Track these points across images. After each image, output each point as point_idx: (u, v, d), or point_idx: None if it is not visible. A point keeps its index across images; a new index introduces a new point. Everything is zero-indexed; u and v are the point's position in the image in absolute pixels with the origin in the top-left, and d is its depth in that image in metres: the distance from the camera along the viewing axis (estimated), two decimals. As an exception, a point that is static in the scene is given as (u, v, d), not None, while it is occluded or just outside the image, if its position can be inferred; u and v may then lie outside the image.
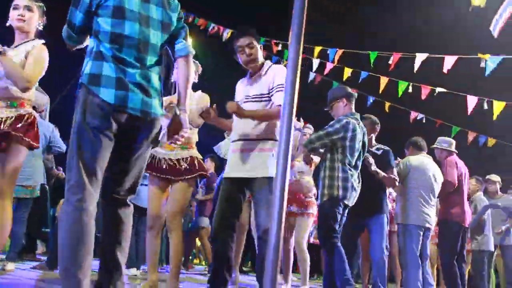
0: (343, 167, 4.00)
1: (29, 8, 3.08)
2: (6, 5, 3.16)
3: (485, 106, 7.08)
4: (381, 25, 12.26)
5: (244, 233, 4.71)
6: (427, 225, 5.02)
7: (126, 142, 2.37)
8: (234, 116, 3.33)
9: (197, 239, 8.62)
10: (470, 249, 6.73)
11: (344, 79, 8.03)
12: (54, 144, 5.24)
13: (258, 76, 3.38)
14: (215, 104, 3.57)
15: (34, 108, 4.71)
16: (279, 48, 8.80)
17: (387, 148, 4.95)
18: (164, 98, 3.55)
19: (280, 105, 2.95)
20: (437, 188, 5.16)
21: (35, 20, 3.12)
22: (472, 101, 7.07)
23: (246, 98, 3.36)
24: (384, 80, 7.64)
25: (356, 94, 4.42)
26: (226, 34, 8.71)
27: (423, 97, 7.48)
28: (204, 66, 4.16)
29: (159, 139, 2.54)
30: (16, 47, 3.08)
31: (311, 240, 9.15)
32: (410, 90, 7.58)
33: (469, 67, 6.63)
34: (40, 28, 3.17)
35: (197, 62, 3.92)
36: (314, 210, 5.07)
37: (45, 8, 3.17)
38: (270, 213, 1.43)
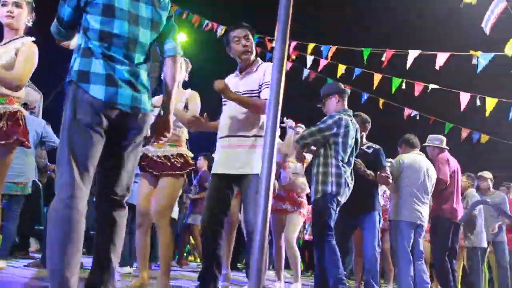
0: (337, 163, 3.99)
1: (17, 5, 3.05)
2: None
3: (478, 103, 7.11)
4: (374, 19, 12.27)
5: (234, 230, 4.71)
6: (419, 222, 5.02)
7: (117, 139, 2.36)
8: (222, 113, 3.33)
9: (190, 237, 8.62)
10: (464, 245, 6.77)
11: (338, 75, 8.03)
12: (48, 139, 5.22)
13: (249, 72, 3.40)
14: (206, 113, 3.57)
15: (26, 105, 4.71)
16: (273, 44, 8.75)
17: (377, 146, 4.94)
18: (156, 98, 3.56)
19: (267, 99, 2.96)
20: (430, 186, 5.17)
21: (24, 17, 3.09)
22: (465, 97, 7.09)
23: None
24: (377, 77, 7.65)
25: (349, 91, 4.41)
26: (220, 30, 8.67)
27: (417, 93, 7.50)
28: (197, 62, 4.15)
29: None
30: (5, 44, 3.07)
31: (306, 237, 9.20)
32: (403, 86, 7.59)
33: (461, 64, 6.64)
34: (30, 24, 3.15)
35: (187, 59, 3.91)
36: (305, 210, 5.08)
37: (34, 4, 3.15)
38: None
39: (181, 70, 3.78)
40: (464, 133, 8.90)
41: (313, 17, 12.58)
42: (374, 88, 7.80)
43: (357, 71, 7.92)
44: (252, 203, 3.13)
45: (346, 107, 4.28)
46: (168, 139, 3.51)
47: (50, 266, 2.12)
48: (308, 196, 4.97)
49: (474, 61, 6.08)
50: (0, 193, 3.07)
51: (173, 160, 3.58)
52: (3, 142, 2.95)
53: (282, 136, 5.10)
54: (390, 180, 4.92)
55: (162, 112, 2.53)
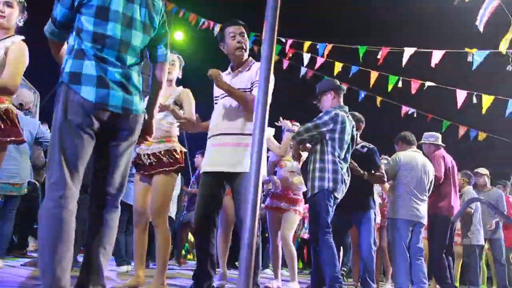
0: (333, 159, 3.98)
1: (8, 4, 3.05)
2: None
3: (474, 100, 7.11)
4: (370, 17, 12.27)
5: (231, 229, 4.70)
6: (417, 219, 5.01)
7: (109, 139, 2.38)
8: (213, 111, 3.34)
9: (189, 234, 8.63)
10: (461, 243, 6.78)
11: (335, 73, 8.04)
12: (44, 139, 5.22)
13: (241, 71, 3.40)
14: (197, 114, 3.59)
15: (21, 105, 4.72)
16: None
17: (372, 146, 4.93)
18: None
19: None
20: (428, 183, 5.16)
21: (15, 16, 3.09)
22: (461, 95, 7.10)
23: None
24: (374, 75, 7.66)
25: (344, 87, 4.40)
26: (217, 29, 8.68)
27: (413, 91, 7.50)
28: (194, 61, 4.16)
29: None
30: None
31: (305, 235, 9.19)
32: (400, 84, 7.60)
33: (457, 61, 6.65)
34: (20, 24, 3.15)
35: (180, 57, 3.91)
36: (301, 208, 5.06)
37: (25, 4, 3.15)
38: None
39: (175, 68, 3.79)
40: (462, 130, 8.91)
41: (310, 15, 12.59)
42: (370, 86, 7.80)
43: (354, 69, 7.92)
44: (244, 201, 3.13)
45: (342, 103, 4.27)
46: (157, 137, 3.56)
47: (41, 266, 2.13)
48: (304, 194, 4.96)
49: (469, 59, 6.09)
50: None
51: (161, 157, 3.56)
52: None
53: (278, 136, 5.10)
54: (385, 180, 4.92)
55: (145, 116, 2.56)
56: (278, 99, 3.84)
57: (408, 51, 6.87)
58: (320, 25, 12.26)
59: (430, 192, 5.25)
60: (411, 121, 8.85)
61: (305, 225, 9.04)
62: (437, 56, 6.58)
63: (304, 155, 4.54)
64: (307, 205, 4.80)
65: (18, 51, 2.99)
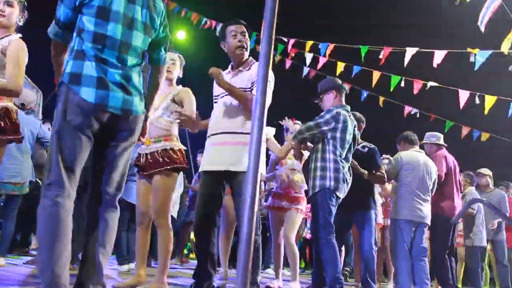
0: (335, 158, 3.96)
1: (9, 3, 3.06)
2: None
3: (477, 101, 7.09)
4: (372, 17, 12.26)
5: (233, 228, 4.70)
6: (420, 220, 4.95)
7: (109, 140, 2.40)
8: (213, 110, 3.34)
9: (192, 233, 8.64)
10: (463, 244, 6.76)
11: (338, 73, 8.03)
12: (45, 139, 5.24)
13: (241, 70, 3.41)
14: (197, 112, 3.59)
15: (23, 105, 4.73)
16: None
17: (372, 146, 4.91)
18: None
19: None
20: (431, 183, 5.13)
21: (16, 16, 3.09)
22: (464, 95, 7.08)
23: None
24: (376, 75, 7.65)
25: (346, 86, 4.39)
26: (219, 28, 8.67)
27: (415, 91, 7.49)
28: (196, 60, 4.17)
29: None
30: None
31: (308, 235, 9.18)
32: (402, 84, 7.58)
33: (459, 62, 6.64)
34: (21, 23, 3.16)
35: (181, 56, 3.92)
36: (303, 206, 5.03)
37: (26, 4, 3.16)
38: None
39: (176, 67, 3.80)
40: (465, 130, 8.89)
41: (311, 15, 12.59)
42: (373, 85, 7.79)
43: (356, 68, 7.91)
44: (244, 200, 3.12)
45: (343, 102, 4.25)
46: (155, 136, 3.54)
47: (40, 263, 2.16)
48: (306, 193, 4.95)
49: (471, 59, 6.08)
50: None
51: (158, 157, 3.56)
52: None
53: (279, 136, 5.09)
54: (385, 180, 4.90)
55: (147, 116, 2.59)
56: (280, 99, 3.84)
57: (410, 51, 6.86)
58: (322, 24, 12.25)
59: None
60: (414, 121, 8.84)
61: (308, 225, 9.04)
62: (439, 56, 6.56)
63: (306, 154, 4.53)
64: (309, 205, 4.80)
65: (16, 50, 2.98)
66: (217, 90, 3.49)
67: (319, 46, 7.91)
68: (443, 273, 5.31)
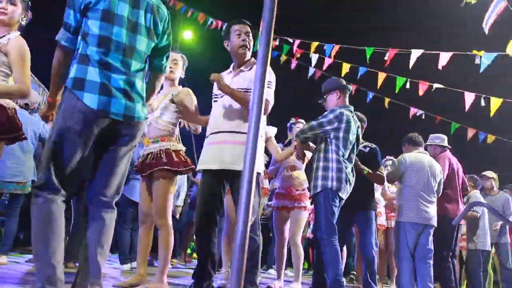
0: (337, 158, 3.93)
1: (12, 2, 3.05)
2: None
3: (482, 103, 7.05)
4: (377, 18, 12.23)
5: (234, 229, 4.69)
6: (425, 222, 4.88)
7: (110, 144, 2.40)
8: (212, 110, 3.34)
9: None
10: (466, 247, 6.71)
11: (343, 74, 8.00)
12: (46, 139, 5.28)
13: (243, 70, 3.41)
14: (196, 104, 3.61)
15: (27, 105, 4.75)
16: (277, 43, 8.78)
17: (374, 146, 4.89)
18: None
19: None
20: (436, 184, 5.06)
21: (18, 14, 3.08)
22: (469, 97, 7.03)
23: None
24: (382, 76, 7.62)
25: (350, 87, 4.37)
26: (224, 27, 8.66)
27: (421, 93, 7.45)
28: (202, 61, 4.17)
29: None
30: None
31: (311, 236, 9.16)
32: (407, 86, 7.55)
33: (464, 64, 6.60)
34: (23, 22, 3.15)
35: (184, 56, 3.92)
36: (307, 203, 4.95)
37: (29, 3, 3.16)
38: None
39: (178, 67, 3.80)
40: (470, 133, 8.83)
41: (316, 16, 12.57)
42: (378, 87, 7.76)
43: (362, 70, 7.89)
44: None
45: (347, 103, 4.24)
46: (153, 137, 3.57)
47: (37, 257, 2.19)
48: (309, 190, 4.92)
49: (477, 61, 6.04)
50: None
51: (155, 157, 3.55)
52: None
53: (279, 136, 5.09)
54: (384, 180, 4.88)
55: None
56: (286, 99, 3.84)
57: (415, 53, 6.82)
58: (327, 26, 12.24)
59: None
60: (419, 123, 8.81)
61: (311, 225, 9.01)
62: (444, 58, 6.53)
63: (309, 154, 4.52)
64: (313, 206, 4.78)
65: (18, 50, 2.96)
66: (217, 88, 3.50)
67: (324, 47, 7.89)
68: (446, 275, 5.27)
